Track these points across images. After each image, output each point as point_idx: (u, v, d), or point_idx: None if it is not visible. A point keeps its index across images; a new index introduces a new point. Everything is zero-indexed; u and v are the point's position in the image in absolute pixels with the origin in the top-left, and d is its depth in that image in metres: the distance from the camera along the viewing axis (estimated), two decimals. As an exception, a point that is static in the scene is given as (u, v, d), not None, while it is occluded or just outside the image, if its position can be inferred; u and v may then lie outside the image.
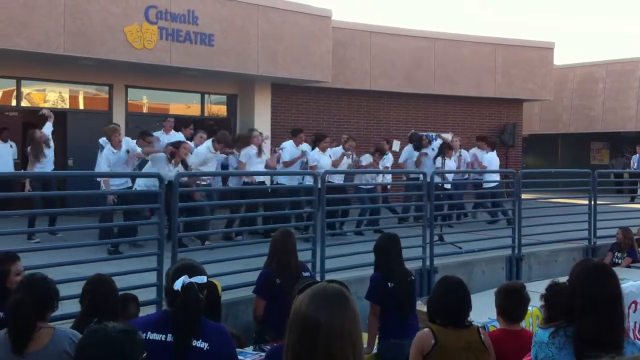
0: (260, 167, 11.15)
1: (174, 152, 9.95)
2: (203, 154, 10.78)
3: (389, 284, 5.89)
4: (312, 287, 2.08)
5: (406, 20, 60.40)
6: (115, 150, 10.10)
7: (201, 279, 3.40)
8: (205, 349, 3.33)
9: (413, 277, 6.22)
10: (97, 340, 2.59)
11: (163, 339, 3.33)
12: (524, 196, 10.60)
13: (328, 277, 7.50)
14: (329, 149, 12.01)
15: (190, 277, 3.36)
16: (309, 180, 9.92)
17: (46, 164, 10.68)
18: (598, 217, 11.22)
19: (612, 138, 25.14)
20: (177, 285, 3.34)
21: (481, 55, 19.24)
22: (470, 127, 19.80)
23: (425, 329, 4.33)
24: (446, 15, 55.17)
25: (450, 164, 13.02)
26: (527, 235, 10.34)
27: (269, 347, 5.35)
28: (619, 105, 23.55)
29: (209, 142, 10.91)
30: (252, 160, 11.06)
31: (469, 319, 4.34)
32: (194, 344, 3.32)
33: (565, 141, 26.38)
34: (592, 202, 11.19)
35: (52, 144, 10.85)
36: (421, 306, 7.00)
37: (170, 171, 9.47)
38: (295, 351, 2.01)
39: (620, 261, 10.24)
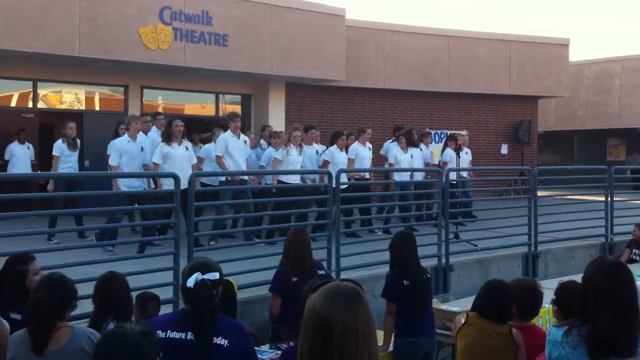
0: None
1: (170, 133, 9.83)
2: (224, 139, 10.48)
3: (404, 281, 5.89)
4: (325, 286, 2.07)
5: (414, 18, 60.33)
6: (130, 140, 9.91)
7: (213, 276, 3.44)
8: (225, 345, 3.36)
9: (429, 275, 6.22)
10: (114, 342, 2.62)
11: (183, 337, 3.37)
12: (540, 193, 10.55)
13: (344, 275, 7.52)
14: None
15: (202, 274, 3.41)
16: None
17: (70, 160, 10.65)
18: (615, 213, 11.15)
19: (628, 134, 24.93)
20: (190, 282, 3.39)
21: (496, 52, 19.17)
22: (485, 124, 19.75)
23: (467, 313, 4.71)
24: (451, 17, 55.08)
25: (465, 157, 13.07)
26: (544, 233, 10.30)
27: (285, 346, 5.38)
28: (635, 102, 23.36)
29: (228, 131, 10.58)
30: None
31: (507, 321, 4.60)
32: (214, 341, 3.35)
33: (581, 138, 26.21)
34: (609, 199, 11.12)
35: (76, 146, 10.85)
36: (438, 304, 7.01)
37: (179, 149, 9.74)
38: (309, 350, 2.01)
39: (638, 258, 10.17)
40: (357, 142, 12.08)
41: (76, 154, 10.81)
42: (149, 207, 9.49)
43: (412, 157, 12.73)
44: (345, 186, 10.73)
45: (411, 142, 12.92)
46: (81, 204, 10.56)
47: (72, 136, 10.74)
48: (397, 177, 12.07)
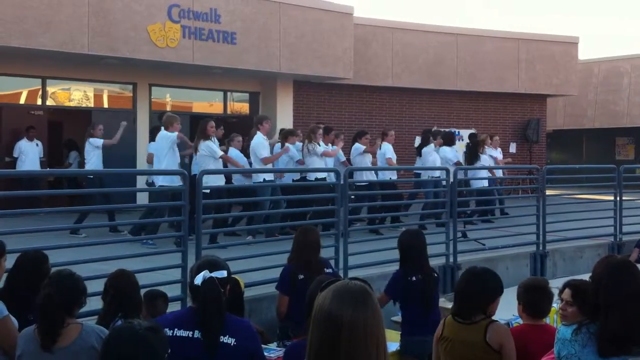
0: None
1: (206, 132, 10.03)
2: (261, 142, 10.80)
3: (412, 277, 5.89)
4: (334, 285, 2.08)
5: (417, 16, 60.16)
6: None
7: (221, 274, 3.44)
8: (232, 344, 3.36)
9: (436, 274, 6.21)
10: (123, 337, 2.63)
11: (190, 335, 3.37)
12: (548, 192, 10.52)
13: (352, 273, 7.52)
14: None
15: (210, 272, 3.41)
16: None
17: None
18: (624, 212, 11.10)
19: (637, 133, 24.81)
20: (198, 280, 3.40)
21: (504, 50, 19.11)
22: (494, 123, 19.70)
23: (444, 318, 4.30)
24: (455, 16, 54.93)
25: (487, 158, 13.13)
26: (552, 232, 10.27)
27: (292, 344, 5.39)
28: (644, 100, 23.27)
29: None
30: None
31: (481, 315, 4.11)
32: (221, 340, 3.36)
33: (590, 136, 26.11)
34: (618, 198, 11.08)
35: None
36: (445, 303, 6.99)
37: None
38: (318, 348, 2.01)
39: (646, 257, 10.12)
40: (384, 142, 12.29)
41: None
42: (161, 204, 9.51)
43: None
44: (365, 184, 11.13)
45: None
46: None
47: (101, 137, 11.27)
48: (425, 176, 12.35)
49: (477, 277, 4.21)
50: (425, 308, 5.85)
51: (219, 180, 9.58)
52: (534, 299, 4.56)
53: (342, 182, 8.01)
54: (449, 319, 4.20)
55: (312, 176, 11.21)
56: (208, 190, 8.29)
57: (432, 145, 12.80)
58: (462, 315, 4.12)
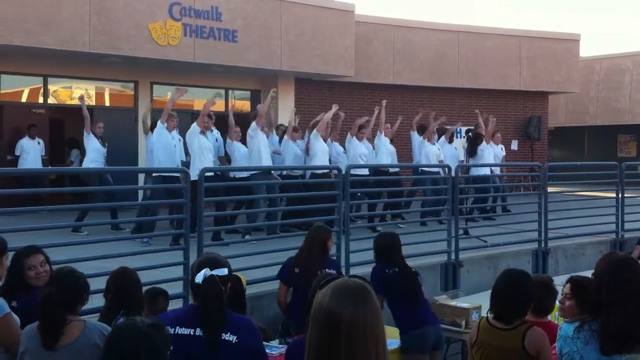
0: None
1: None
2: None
3: (388, 270, 5.98)
4: (333, 282, 2.08)
5: (421, 14, 60.13)
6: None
7: (222, 272, 3.44)
8: (234, 341, 3.37)
9: (414, 270, 6.23)
10: (126, 334, 2.63)
11: (192, 333, 3.38)
12: (550, 189, 10.52)
13: (353, 271, 7.52)
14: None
15: (211, 270, 3.41)
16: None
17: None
18: (625, 210, 11.09)
19: (639, 130, 24.80)
20: (199, 278, 3.40)
21: (506, 47, 19.09)
22: (495, 120, 19.64)
23: (479, 321, 4.14)
24: (457, 12, 54.90)
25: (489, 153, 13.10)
26: (554, 229, 10.26)
27: (294, 341, 5.39)
28: (646, 97, 23.24)
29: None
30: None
31: (519, 320, 3.93)
32: (223, 337, 3.36)
33: (592, 133, 26.07)
34: (620, 195, 11.07)
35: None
36: (447, 300, 6.99)
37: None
38: (317, 346, 2.02)
39: (648, 254, 10.11)
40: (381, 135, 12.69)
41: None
42: (163, 201, 9.54)
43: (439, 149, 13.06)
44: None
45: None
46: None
47: (101, 135, 11.45)
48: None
49: (518, 280, 4.06)
50: (411, 301, 5.86)
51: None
52: (538, 296, 4.53)
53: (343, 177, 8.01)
54: (484, 323, 4.03)
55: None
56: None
57: (424, 140, 12.87)
58: (502, 320, 3.92)
